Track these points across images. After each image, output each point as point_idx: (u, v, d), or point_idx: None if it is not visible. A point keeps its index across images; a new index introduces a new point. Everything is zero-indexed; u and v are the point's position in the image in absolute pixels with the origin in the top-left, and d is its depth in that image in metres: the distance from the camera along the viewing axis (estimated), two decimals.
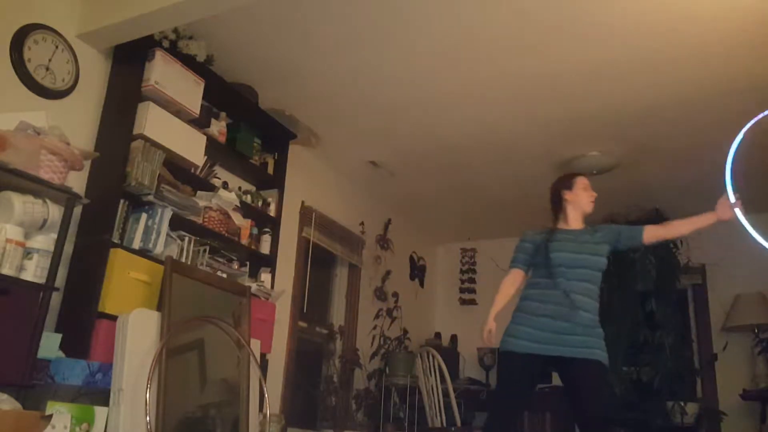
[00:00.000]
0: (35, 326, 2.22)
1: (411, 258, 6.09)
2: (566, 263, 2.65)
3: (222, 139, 3.54)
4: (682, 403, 4.50)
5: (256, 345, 3.25)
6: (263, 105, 3.88)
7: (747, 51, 3.19)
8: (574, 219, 2.84)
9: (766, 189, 4.48)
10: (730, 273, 4.99)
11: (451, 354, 5.59)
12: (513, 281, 2.79)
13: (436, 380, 4.19)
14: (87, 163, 2.82)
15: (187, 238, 3.14)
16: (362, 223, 5.28)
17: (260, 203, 3.80)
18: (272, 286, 3.66)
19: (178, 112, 3.13)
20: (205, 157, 3.34)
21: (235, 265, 3.46)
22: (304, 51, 3.45)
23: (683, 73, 3.43)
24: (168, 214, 2.97)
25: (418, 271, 6.15)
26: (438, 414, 4.15)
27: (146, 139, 2.91)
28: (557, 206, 2.88)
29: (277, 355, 4.02)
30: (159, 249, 2.91)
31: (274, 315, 3.60)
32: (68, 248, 2.69)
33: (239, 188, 3.75)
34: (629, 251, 4.36)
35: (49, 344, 2.36)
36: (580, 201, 2.81)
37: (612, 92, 3.66)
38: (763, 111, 2.74)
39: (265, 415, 3.06)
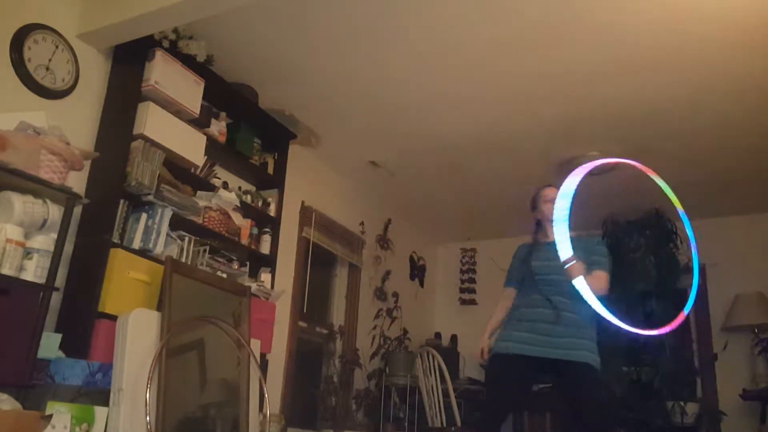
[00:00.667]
0: (35, 326, 2.22)
1: (411, 258, 6.08)
2: (542, 272, 2.77)
3: (222, 139, 3.54)
4: (682, 403, 4.49)
5: (256, 345, 3.25)
6: (263, 105, 3.88)
7: (747, 51, 3.19)
8: (550, 231, 2.88)
9: (766, 189, 4.52)
10: (729, 273, 4.98)
11: (451, 354, 5.58)
12: (506, 300, 2.95)
13: (436, 380, 4.19)
14: (87, 163, 2.82)
15: (187, 238, 3.14)
16: (362, 223, 5.28)
17: (260, 203, 3.80)
18: (272, 286, 3.66)
19: (178, 112, 3.13)
20: (205, 157, 3.34)
21: (235, 265, 3.46)
22: (304, 51, 3.45)
23: (683, 74, 3.43)
24: (168, 214, 2.97)
25: (418, 271, 6.14)
26: (438, 414, 4.15)
27: (146, 139, 2.91)
28: (535, 222, 3.01)
29: (277, 355, 4.02)
30: (159, 249, 2.91)
31: (274, 315, 3.60)
32: (68, 248, 2.69)
33: (239, 188, 3.75)
34: (629, 251, 4.51)
35: (49, 344, 2.36)
36: (547, 215, 2.86)
37: (612, 92, 3.66)
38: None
39: (265, 415, 3.05)
